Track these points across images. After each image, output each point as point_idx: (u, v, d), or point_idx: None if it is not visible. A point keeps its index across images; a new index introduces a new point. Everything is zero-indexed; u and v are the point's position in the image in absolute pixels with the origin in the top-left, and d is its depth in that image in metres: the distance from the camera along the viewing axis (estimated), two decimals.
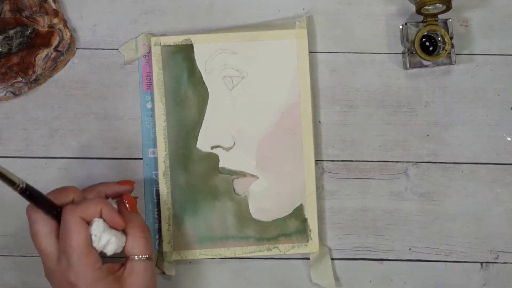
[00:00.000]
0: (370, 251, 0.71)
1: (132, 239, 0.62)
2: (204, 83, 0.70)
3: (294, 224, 0.70)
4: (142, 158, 0.71)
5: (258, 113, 0.70)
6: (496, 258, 0.72)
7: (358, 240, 0.71)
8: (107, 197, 0.66)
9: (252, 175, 0.71)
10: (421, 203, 0.72)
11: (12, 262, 0.71)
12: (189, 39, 0.70)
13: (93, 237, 0.60)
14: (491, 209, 0.72)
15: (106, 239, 0.60)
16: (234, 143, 0.70)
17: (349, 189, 0.71)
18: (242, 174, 0.70)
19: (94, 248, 0.60)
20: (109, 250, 0.61)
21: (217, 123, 0.70)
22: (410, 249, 0.72)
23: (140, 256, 0.62)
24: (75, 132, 0.71)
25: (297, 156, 0.70)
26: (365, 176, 0.71)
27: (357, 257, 0.71)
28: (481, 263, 0.72)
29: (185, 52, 0.70)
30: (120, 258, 0.63)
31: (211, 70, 0.70)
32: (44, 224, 0.60)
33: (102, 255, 0.61)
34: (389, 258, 0.72)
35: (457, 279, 0.71)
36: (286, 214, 0.70)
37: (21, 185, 0.58)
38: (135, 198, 0.67)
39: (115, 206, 0.64)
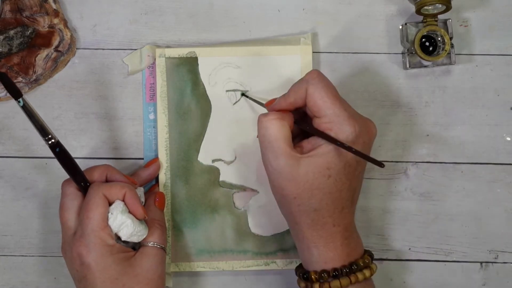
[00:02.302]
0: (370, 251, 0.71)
1: (149, 229, 0.64)
2: (208, 96, 0.70)
3: (293, 240, 0.70)
4: (142, 158, 0.71)
5: None
6: (495, 258, 0.72)
7: None
8: (141, 184, 0.68)
9: (252, 190, 0.70)
10: (421, 203, 0.72)
11: (12, 262, 0.71)
12: (194, 51, 0.70)
13: (109, 215, 0.62)
14: (491, 209, 0.72)
15: (121, 221, 0.62)
16: (236, 157, 0.70)
17: None
18: (242, 188, 0.70)
19: (109, 226, 0.62)
20: (124, 234, 0.62)
21: (219, 136, 0.70)
22: (410, 249, 0.72)
23: (153, 243, 0.64)
24: (75, 132, 0.71)
25: None
26: (365, 176, 0.71)
27: None
28: (481, 263, 0.72)
29: (190, 64, 0.70)
30: None
31: (215, 83, 0.70)
32: (72, 198, 0.63)
33: (119, 240, 0.63)
34: (389, 258, 0.72)
35: (457, 279, 0.71)
36: (285, 230, 0.70)
37: (53, 140, 0.62)
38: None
39: (142, 195, 0.66)
